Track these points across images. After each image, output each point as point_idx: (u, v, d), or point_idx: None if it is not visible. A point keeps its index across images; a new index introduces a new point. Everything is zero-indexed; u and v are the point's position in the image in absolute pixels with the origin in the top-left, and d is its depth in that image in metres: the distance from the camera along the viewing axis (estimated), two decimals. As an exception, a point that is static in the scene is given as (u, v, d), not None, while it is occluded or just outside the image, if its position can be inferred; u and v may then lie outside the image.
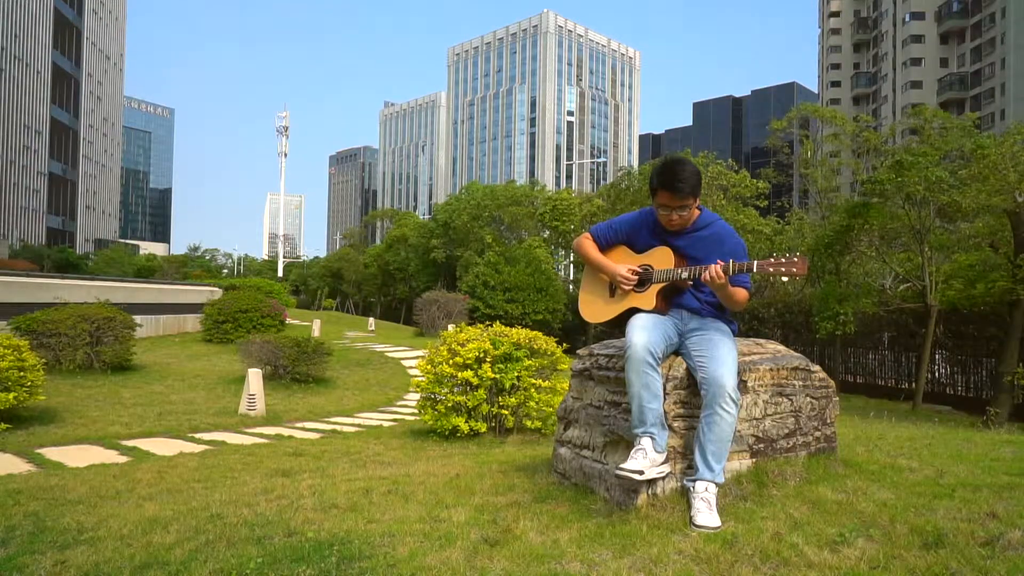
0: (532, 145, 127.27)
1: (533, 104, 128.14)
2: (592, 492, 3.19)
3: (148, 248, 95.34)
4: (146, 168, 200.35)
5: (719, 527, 2.63)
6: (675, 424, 2.98)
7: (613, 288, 3.28)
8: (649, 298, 3.14)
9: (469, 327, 7.60)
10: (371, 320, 30.55)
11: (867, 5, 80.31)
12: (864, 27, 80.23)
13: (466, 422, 6.83)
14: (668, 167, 3.05)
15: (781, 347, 3.45)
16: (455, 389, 6.98)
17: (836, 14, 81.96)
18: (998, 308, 15.57)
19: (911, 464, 3.52)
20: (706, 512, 2.69)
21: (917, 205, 16.58)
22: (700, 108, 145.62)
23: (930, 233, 17.07)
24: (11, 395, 7.66)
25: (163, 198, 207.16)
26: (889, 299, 18.57)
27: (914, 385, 17.56)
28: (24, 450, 6.89)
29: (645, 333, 2.93)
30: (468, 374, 6.74)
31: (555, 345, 7.34)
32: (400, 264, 43.75)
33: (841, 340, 19.99)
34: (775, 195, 33.53)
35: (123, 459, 6.51)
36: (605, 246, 3.37)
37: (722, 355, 2.90)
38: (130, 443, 7.36)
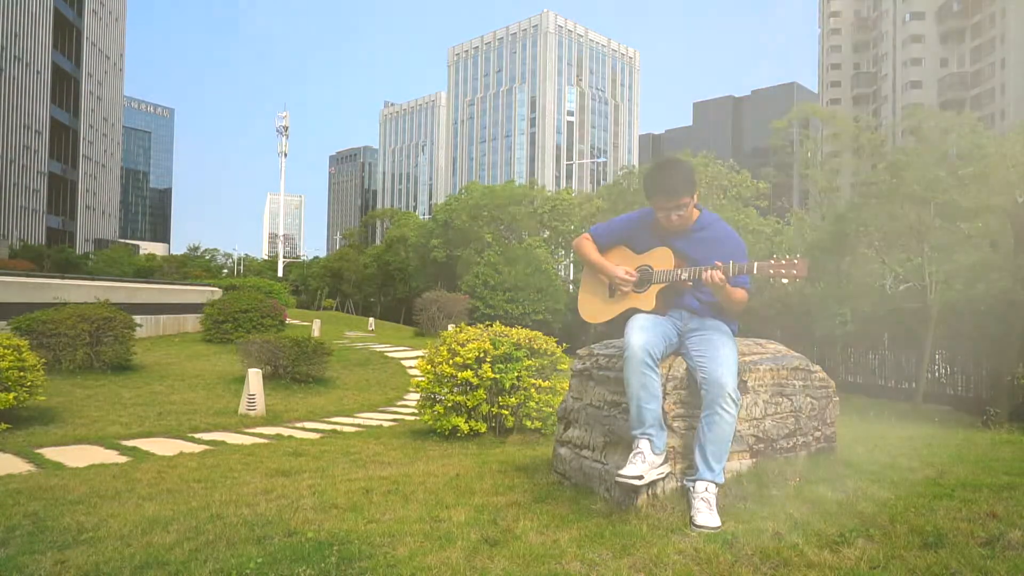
0: (532, 145, 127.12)
1: (533, 104, 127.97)
2: (592, 492, 3.18)
3: (148, 248, 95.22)
4: (146, 168, 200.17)
5: (719, 527, 2.63)
6: (675, 424, 2.97)
7: (613, 288, 3.28)
8: (649, 298, 3.14)
9: (469, 327, 7.61)
10: (371, 320, 30.55)
11: (867, 5, 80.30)
12: (864, 27, 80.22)
13: (466, 422, 6.83)
14: (657, 172, 3.08)
15: (781, 347, 3.45)
16: (455, 389, 6.98)
17: (836, 14, 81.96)
18: (998, 308, 15.56)
19: (911, 464, 3.52)
20: (706, 512, 2.69)
21: (917, 205, 16.58)
22: (700, 108, 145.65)
23: (930, 233, 17.06)
24: (11, 395, 7.65)
25: (163, 198, 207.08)
26: (889, 299, 18.56)
27: (914, 385, 17.57)
28: (24, 450, 6.88)
29: (644, 334, 2.93)
30: (468, 374, 6.74)
31: (555, 345, 7.34)
32: (400, 264, 43.75)
33: (841, 340, 20.00)
34: (775, 195, 33.53)
35: (123, 459, 6.51)
36: (605, 246, 3.37)
37: (722, 355, 2.89)
38: (130, 443, 7.36)
